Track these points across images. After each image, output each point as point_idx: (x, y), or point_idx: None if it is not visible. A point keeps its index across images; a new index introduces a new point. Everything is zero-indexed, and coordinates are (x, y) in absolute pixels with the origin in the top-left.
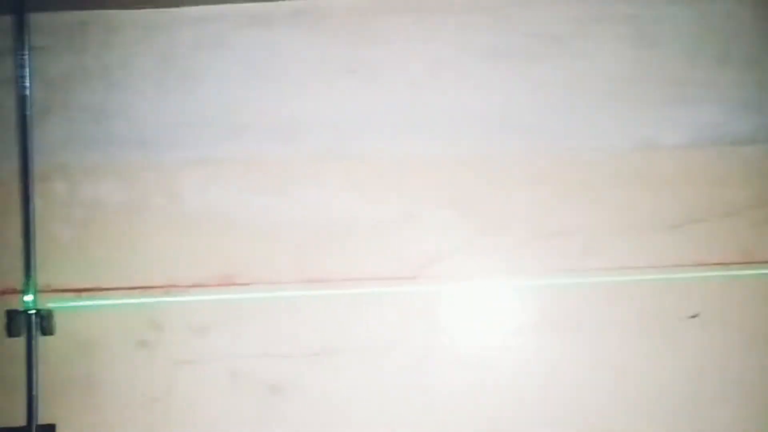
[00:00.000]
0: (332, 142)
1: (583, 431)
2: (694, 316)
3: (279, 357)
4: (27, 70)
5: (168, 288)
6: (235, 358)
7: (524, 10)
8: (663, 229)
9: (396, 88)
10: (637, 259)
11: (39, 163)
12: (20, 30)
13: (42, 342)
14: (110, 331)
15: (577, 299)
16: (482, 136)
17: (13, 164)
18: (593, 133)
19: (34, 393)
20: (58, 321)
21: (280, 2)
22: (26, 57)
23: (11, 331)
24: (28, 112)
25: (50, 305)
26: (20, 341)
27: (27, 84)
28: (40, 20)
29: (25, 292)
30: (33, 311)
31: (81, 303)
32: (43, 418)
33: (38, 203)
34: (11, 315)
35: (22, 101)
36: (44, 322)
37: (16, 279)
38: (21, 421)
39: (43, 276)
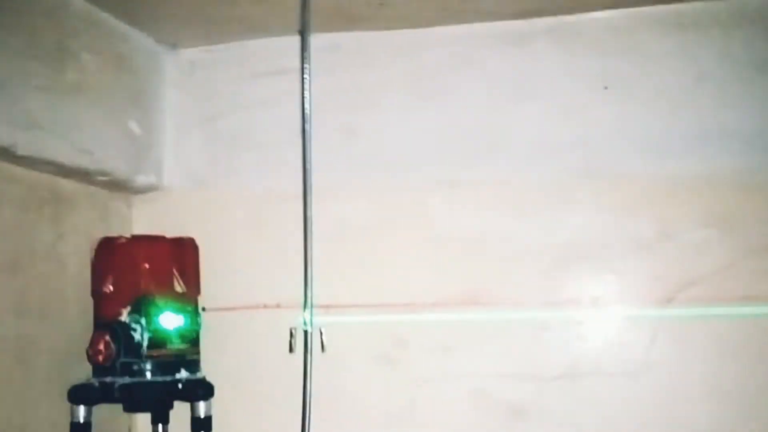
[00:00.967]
0: (584, 161)
1: None
2: None
3: (522, 378)
4: (308, 89)
5: (412, 306)
6: (477, 377)
7: None
8: None
9: (651, 104)
10: None
11: (292, 184)
12: (303, 51)
13: (290, 355)
14: (355, 346)
15: None
16: (741, 152)
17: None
18: None
19: (308, 408)
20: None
21: (533, 20)
22: (307, 77)
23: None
24: (307, 130)
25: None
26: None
27: (307, 104)
28: (290, 44)
29: (304, 309)
30: (310, 329)
31: (331, 319)
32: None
33: (284, 220)
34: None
35: (302, 120)
36: (321, 339)
37: (269, 294)
38: None
39: (293, 291)
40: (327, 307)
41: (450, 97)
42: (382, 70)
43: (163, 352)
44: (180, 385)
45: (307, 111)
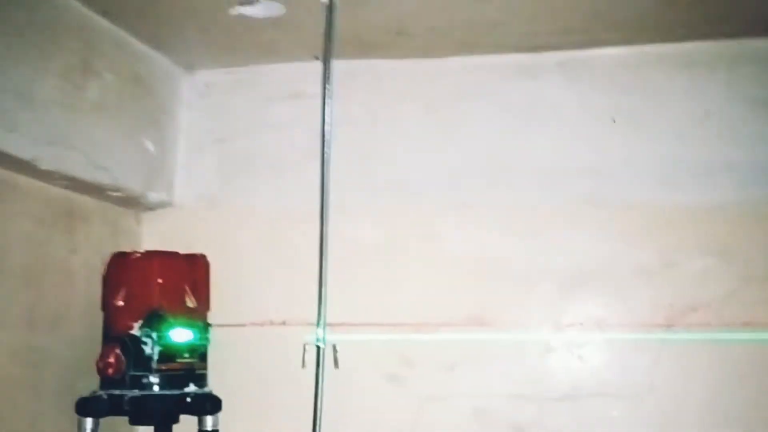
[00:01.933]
0: (592, 190)
1: None
2: None
3: (525, 399)
4: (330, 114)
5: (419, 326)
6: (481, 397)
7: None
8: None
9: (659, 137)
10: None
11: (304, 205)
12: (325, 76)
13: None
14: (362, 364)
15: None
16: (743, 185)
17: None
18: None
19: (319, 422)
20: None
21: (545, 53)
22: (330, 102)
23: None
24: (326, 153)
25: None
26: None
27: (328, 127)
28: (306, 69)
29: (318, 325)
30: (323, 345)
31: (339, 337)
32: None
33: (295, 240)
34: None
35: (322, 143)
36: (335, 356)
37: (276, 311)
38: None
39: (306, 310)
40: (335, 325)
41: (462, 125)
42: (396, 97)
43: (172, 365)
44: (189, 399)
45: (327, 135)
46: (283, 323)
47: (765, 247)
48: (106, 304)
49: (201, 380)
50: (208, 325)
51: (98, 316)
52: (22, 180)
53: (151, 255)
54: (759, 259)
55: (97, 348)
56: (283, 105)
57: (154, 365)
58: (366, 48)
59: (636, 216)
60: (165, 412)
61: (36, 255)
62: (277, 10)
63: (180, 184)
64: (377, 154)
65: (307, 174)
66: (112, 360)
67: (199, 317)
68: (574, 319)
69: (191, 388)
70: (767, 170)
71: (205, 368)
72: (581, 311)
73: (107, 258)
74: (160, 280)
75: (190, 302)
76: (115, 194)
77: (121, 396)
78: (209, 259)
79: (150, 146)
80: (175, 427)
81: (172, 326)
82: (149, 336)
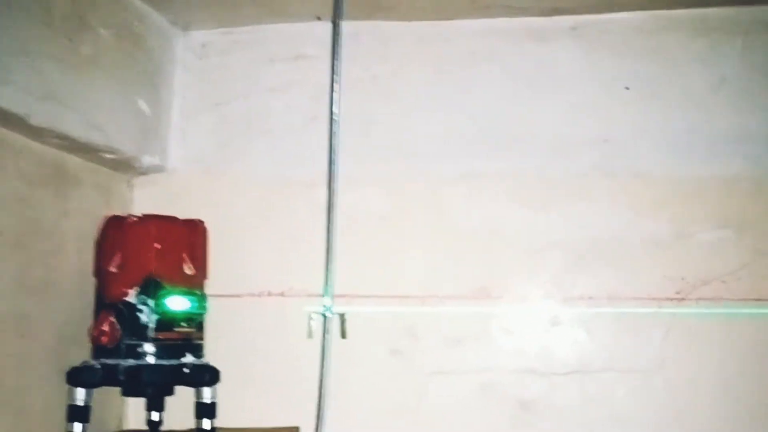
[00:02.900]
0: (602, 159)
1: None
2: None
3: (532, 373)
4: (338, 77)
5: (425, 298)
6: (487, 371)
7: None
8: None
9: (673, 105)
10: None
11: (306, 172)
12: (335, 37)
13: (298, 343)
14: (365, 337)
15: None
16: (759, 156)
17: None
18: None
19: (323, 393)
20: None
21: (557, 17)
22: (337, 64)
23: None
24: (336, 119)
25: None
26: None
27: (335, 91)
28: (308, 30)
29: (324, 295)
30: (330, 315)
31: (342, 308)
32: (287, 420)
33: (296, 208)
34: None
35: (330, 106)
36: (342, 326)
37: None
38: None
39: (306, 281)
40: (338, 296)
41: (470, 91)
42: (403, 61)
43: (170, 335)
44: (186, 370)
45: (334, 100)
46: (282, 294)
47: None
48: (100, 270)
49: (198, 351)
50: (205, 293)
51: (89, 283)
52: (13, 137)
53: (148, 219)
54: None
55: (88, 316)
56: (283, 67)
57: (151, 334)
58: (373, 9)
59: (648, 187)
60: (161, 383)
61: (26, 217)
62: None
63: (174, 148)
64: (382, 120)
65: (308, 139)
66: (106, 328)
67: (197, 285)
68: (583, 292)
69: (189, 358)
70: None
71: (202, 338)
72: (590, 284)
73: (100, 222)
74: (157, 246)
75: (188, 269)
76: (108, 156)
77: (116, 366)
78: (204, 223)
79: (144, 107)
80: (169, 399)
81: (169, 294)
82: (145, 303)
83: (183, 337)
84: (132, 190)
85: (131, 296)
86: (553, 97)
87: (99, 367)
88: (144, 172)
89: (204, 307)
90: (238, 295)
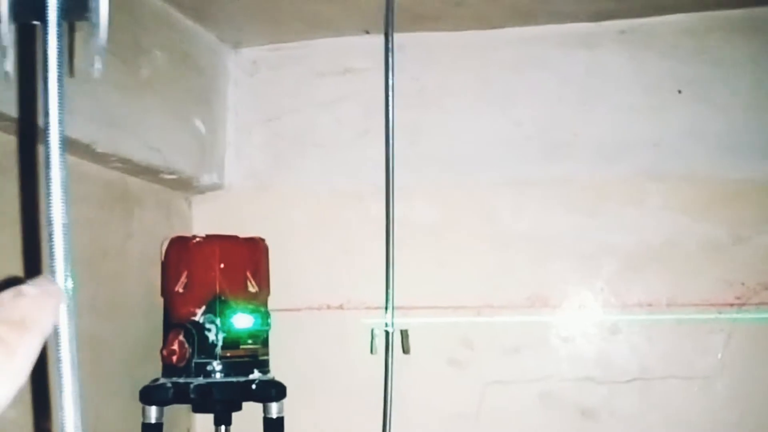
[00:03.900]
0: (656, 163)
1: None
2: None
3: (592, 381)
4: (391, 90)
5: (480, 308)
6: (546, 380)
7: None
8: None
9: (724, 107)
10: None
11: (358, 184)
12: (387, 50)
13: (359, 356)
14: (422, 348)
15: None
16: None
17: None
18: None
19: (388, 408)
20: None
21: (604, 22)
22: (391, 78)
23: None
24: (390, 131)
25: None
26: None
27: (391, 103)
28: (357, 43)
29: (386, 310)
30: (392, 330)
31: (399, 320)
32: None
33: (351, 221)
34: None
35: (386, 118)
36: (403, 341)
37: (332, 295)
38: None
39: (363, 293)
40: (396, 309)
41: (518, 98)
42: (449, 71)
43: (237, 352)
44: (254, 386)
45: (389, 112)
46: (340, 307)
47: None
48: (167, 291)
49: (264, 366)
50: (268, 309)
51: (155, 303)
52: (79, 163)
53: (211, 239)
54: None
55: (155, 335)
56: (333, 81)
57: (219, 352)
58: (419, 20)
59: (701, 190)
60: (230, 399)
61: (95, 241)
62: None
63: (230, 165)
64: (430, 130)
65: (360, 152)
66: (176, 347)
67: (260, 302)
68: (641, 298)
69: (255, 374)
70: None
71: (267, 354)
72: (647, 290)
73: (164, 243)
74: (222, 265)
75: (252, 287)
76: (168, 176)
77: (186, 384)
78: (265, 240)
79: (200, 126)
80: (236, 415)
81: (235, 312)
82: (212, 322)
83: (249, 354)
84: (191, 208)
85: (198, 316)
86: (601, 102)
87: (170, 385)
88: (202, 190)
89: (268, 324)
90: (298, 309)
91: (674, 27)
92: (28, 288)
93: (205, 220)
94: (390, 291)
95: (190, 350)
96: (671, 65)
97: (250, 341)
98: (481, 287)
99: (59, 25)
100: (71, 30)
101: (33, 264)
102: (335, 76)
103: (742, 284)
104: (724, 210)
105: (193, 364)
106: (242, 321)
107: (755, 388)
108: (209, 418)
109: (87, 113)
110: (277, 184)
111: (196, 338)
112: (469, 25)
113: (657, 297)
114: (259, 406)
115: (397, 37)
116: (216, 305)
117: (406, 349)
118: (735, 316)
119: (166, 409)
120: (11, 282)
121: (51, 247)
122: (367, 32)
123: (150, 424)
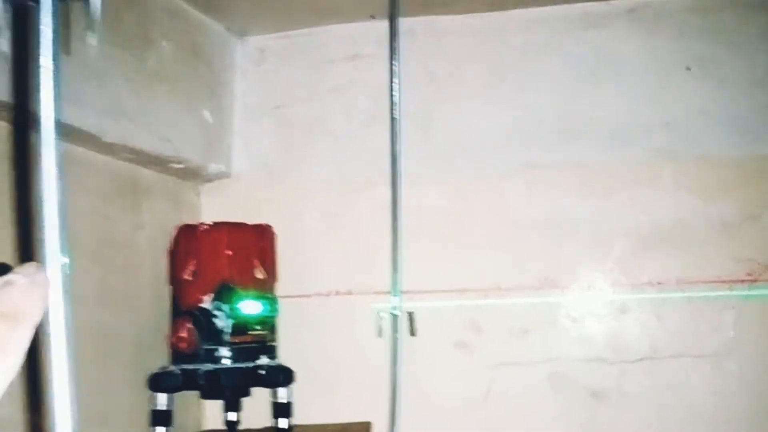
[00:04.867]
0: (667, 143)
1: None
2: None
3: (602, 362)
4: (397, 75)
5: (489, 291)
6: (556, 361)
7: None
8: None
9: (735, 85)
10: None
11: (367, 171)
12: (392, 36)
13: (367, 340)
14: (430, 332)
15: None
16: None
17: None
18: None
19: (395, 390)
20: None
21: (613, 1)
22: (396, 64)
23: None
24: (396, 117)
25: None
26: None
27: (396, 91)
28: (364, 29)
29: (392, 294)
30: (399, 314)
31: (409, 304)
32: (359, 416)
33: (360, 207)
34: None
35: (390, 106)
36: (411, 324)
37: (341, 281)
38: (341, 417)
39: (372, 278)
40: (404, 293)
41: (528, 82)
42: (459, 55)
43: (245, 338)
44: (262, 372)
45: (394, 98)
46: (349, 293)
47: None
48: (175, 278)
49: (272, 352)
50: (276, 296)
51: (164, 291)
52: (88, 154)
53: (219, 226)
54: None
55: (165, 323)
56: (340, 68)
57: (227, 338)
58: (427, 4)
59: (712, 169)
60: (239, 385)
61: (104, 231)
62: None
63: (238, 154)
64: (441, 116)
65: (369, 139)
66: (185, 335)
67: (268, 289)
68: (651, 277)
69: (263, 360)
70: None
71: (275, 340)
72: (659, 269)
73: (172, 231)
74: (229, 252)
75: (260, 273)
76: (176, 166)
77: (195, 370)
78: (272, 227)
79: (208, 116)
80: (246, 399)
81: (242, 298)
82: (220, 309)
83: (257, 340)
84: (199, 197)
85: (206, 303)
86: (612, 84)
87: (179, 372)
88: (210, 179)
89: (276, 310)
90: (307, 295)
91: (683, 4)
92: (17, 277)
93: (214, 209)
94: (397, 275)
95: (199, 337)
96: (681, 44)
97: (258, 327)
98: (490, 270)
99: (54, 3)
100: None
101: (27, 250)
102: (343, 63)
103: (753, 261)
104: (734, 189)
105: (201, 351)
106: (250, 307)
107: (764, 365)
108: (219, 404)
109: (94, 104)
110: (285, 173)
111: (204, 325)
112: (479, 8)
113: (667, 276)
114: (268, 391)
115: (406, 22)
116: (224, 292)
117: (413, 331)
118: (746, 292)
119: (177, 395)
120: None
121: (42, 228)
122: (374, 17)
123: (160, 411)
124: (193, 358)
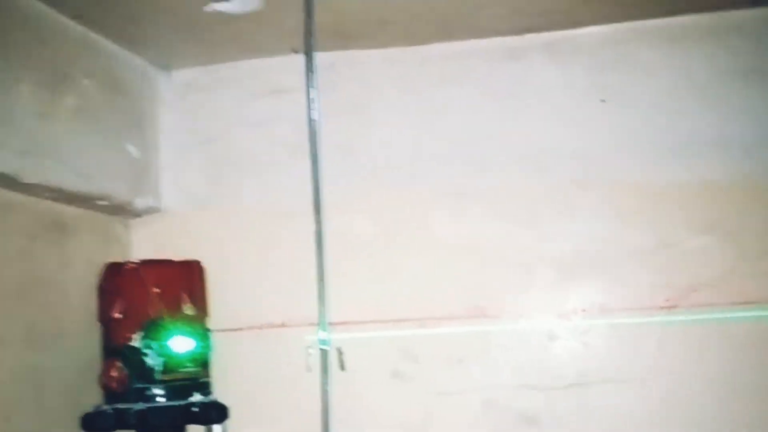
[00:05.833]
0: (584, 171)
1: None
2: None
3: (532, 388)
4: (316, 108)
5: (422, 321)
6: (488, 388)
7: None
8: None
9: (648, 113)
10: None
11: (294, 202)
12: (308, 70)
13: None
14: (366, 363)
15: None
16: (737, 160)
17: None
18: None
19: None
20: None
21: (529, 35)
22: (314, 96)
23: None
24: (317, 148)
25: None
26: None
27: (315, 120)
28: (286, 63)
29: (320, 328)
30: (327, 348)
31: (341, 336)
32: None
33: (288, 238)
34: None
35: (312, 138)
36: (340, 359)
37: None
38: None
39: (304, 310)
40: (336, 324)
41: (449, 111)
42: (380, 87)
43: (176, 375)
44: (195, 409)
45: (314, 129)
46: (282, 325)
47: (759, 223)
48: (104, 317)
49: (206, 389)
50: (208, 331)
51: (95, 329)
52: (8, 194)
53: (145, 264)
54: (754, 235)
55: (97, 361)
56: (265, 101)
57: (158, 376)
58: (347, 39)
59: (629, 196)
60: (171, 424)
61: (29, 271)
62: (252, 4)
63: (166, 187)
64: (363, 146)
65: (294, 169)
66: (115, 374)
67: (199, 324)
68: (576, 305)
69: (196, 397)
70: (757, 144)
71: (208, 376)
72: (583, 297)
73: (100, 269)
74: (156, 290)
75: (189, 310)
76: (101, 203)
77: (127, 410)
78: (201, 263)
79: (133, 151)
80: None
81: (172, 335)
82: (150, 347)
83: (189, 377)
84: (129, 232)
85: (136, 341)
86: (529, 113)
87: (111, 411)
88: (139, 214)
89: (208, 346)
90: (240, 329)
91: (597, 37)
92: None
93: (144, 243)
94: (323, 308)
95: (130, 376)
96: (594, 75)
97: (189, 364)
98: (422, 299)
99: None
100: None
101: None
102: (266, 96)
103: (671, 287)
104: (651, 215)
105: (133, 390)
106: (180, 344)
107: (689, 387)
108: None
109: (10, 144)
110: (214, 206)
111: (134, 363)
112: (397, 42)
113: (591, 303)
114: (203, 428)
115: (326, 56)
116: (152, 330)
117: (342, 366)
118: (666, 318)
119: None
120: None
121: None
122: (295, 52)
123: None
124: (126, 396)
